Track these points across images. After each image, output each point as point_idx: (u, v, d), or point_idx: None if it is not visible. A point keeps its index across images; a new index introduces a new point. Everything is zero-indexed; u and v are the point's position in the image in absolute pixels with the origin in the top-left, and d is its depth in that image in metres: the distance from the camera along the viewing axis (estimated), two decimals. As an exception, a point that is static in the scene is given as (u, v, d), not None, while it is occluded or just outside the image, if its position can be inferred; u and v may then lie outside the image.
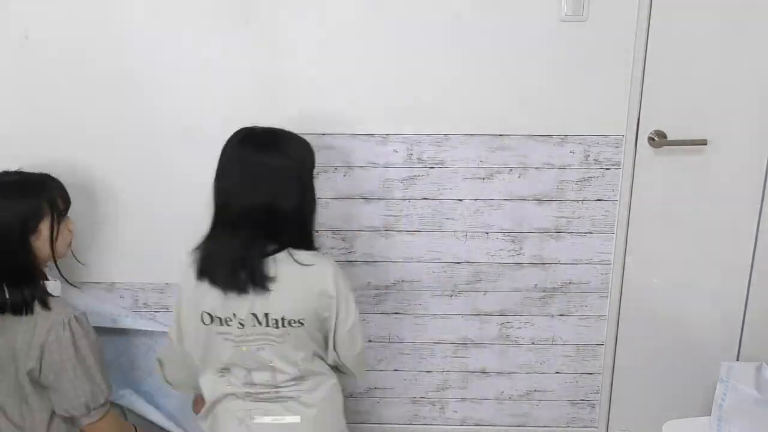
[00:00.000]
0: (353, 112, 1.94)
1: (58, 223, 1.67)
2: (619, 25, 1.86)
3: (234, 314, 1.54)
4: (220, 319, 1.55)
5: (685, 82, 1.90)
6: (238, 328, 1.54)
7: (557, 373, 2.20)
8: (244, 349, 1.56)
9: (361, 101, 1.93)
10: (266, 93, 1.93)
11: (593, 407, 2.23)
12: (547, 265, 2.08)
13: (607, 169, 1.99)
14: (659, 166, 1.97)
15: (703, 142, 1.94)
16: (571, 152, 1.97)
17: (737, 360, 2.13)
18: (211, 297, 1.54)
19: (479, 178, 2.00)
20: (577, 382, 2.20)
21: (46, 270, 1.72)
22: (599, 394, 2.21)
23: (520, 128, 1.95)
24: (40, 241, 1.65)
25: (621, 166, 1.98)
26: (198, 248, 1.58)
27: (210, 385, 1.63)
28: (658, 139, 1.93)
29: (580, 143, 1.96)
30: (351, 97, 1.93)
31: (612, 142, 1.96)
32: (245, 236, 1.52)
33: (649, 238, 2.03)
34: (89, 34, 1.89)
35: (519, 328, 2.15)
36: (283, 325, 1.54)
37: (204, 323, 1.56)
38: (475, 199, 2.02)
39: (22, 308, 1.60)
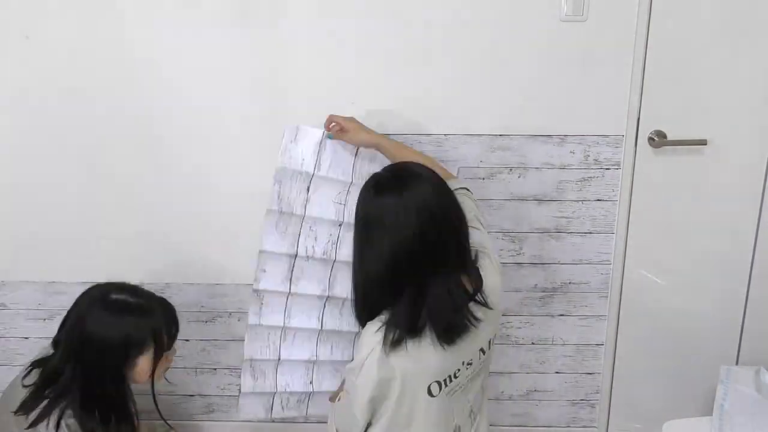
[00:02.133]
0: (353, 113, 1.94)
1: (160, 358, 1.61)
2: (619, 25, 1.86)
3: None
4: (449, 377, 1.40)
5: (685, 82, 1.90)
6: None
7: (557, 373, 2.20)
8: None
9: (361, 101, 1.93)
10: (266, 93, 1.93)
11: (593, 407, 2.23)
12: (547, 265, 2.08)
13: (607, 169, 1.99)
14: (659, 166, 1.97)
15: (703, 142, 1.94)
16: (571, 152, 1.97)
17: (737, 358, 2.13)
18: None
19: (479, 178, 2.00)
20: (577, 382, 2.20)
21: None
22: (599, 394, 2.21)
23: (520, 128, 1.95)
24: (136, 372, 1.58)
25: (621, 166, 1.98)
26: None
27: None
28: (658, 139, 1.93)
29: (580, 143, 1.96)
30: (351, 97, 1.93)
31: (612, 142, 1.96)
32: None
33: (649, 238, 2.03)
34: (88, 34, 1.89)
35: (519, 328, 2.15)
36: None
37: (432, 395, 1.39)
38: (475, 199, 2.02)
39: None
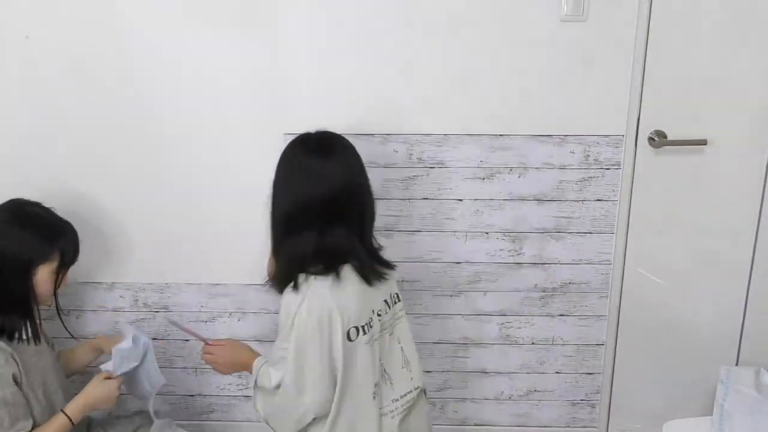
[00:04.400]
0: (353, 112, 1.94)
1: (63, 274, 1.66)
2: (619, 25, 1.86)
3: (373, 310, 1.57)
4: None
5: (685, 82, 1.90)
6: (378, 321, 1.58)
7: (557, 373, 2.20)
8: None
9: (361, 101, 1.93)
10: (266, 94, 1.93)
11: (593, 407, 2.23)
12: (547, 265, 2.08)
13: (607, 169, 1.99)
14: (659, 166, 1.97)
15: (703, 142, 1.94)
16: (571, 152, 1.97)
17: (737, 358, 2.13)
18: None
19: (479, 178, 2.00)
20: (577, 382, 2.20)
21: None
22: (599, 394, 2.21)
23: (520, 128, 1.95)
24: (37, 284, 1.62)
25: (621, 166, 1.98)
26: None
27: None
28: (658, 139, 1.93)
29: (580, 143, 1.96)
30: (351, 97, 1.93)
31: (612, 142, 1.96)
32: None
33: (649, 238, 2.03)
34: (89, 34, 1.89)
35: (519, 328, 2.15)
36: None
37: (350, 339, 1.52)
38: (475, 199, 2.02)
39: (12, 335, 1.60)
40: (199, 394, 2.26)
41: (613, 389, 2.20)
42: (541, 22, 1.86)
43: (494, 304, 2.12)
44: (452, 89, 1.92)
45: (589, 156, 1.97)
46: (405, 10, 1.86)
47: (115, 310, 2.14)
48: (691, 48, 1.88)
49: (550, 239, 2.05)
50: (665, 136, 1.94)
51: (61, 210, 1.72)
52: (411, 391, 1.65)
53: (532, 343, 2.16)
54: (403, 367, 1.65)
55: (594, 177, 1.99)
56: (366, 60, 1.90)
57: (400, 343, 1.65)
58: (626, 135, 1.95)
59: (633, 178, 1.99)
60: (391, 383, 1.62)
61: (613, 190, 2.00)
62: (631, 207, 2.01)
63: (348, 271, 1.52)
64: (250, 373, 1.63)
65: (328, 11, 1.87)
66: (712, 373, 2.04)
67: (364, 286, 1.53)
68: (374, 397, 1.56)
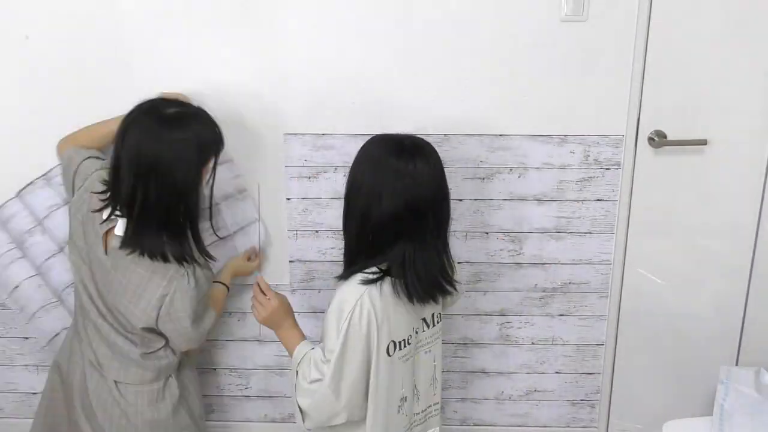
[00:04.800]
0: (353, 112, 1.94)
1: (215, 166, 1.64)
2: (619, 25, 1.86)
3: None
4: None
5: (685, 82, 1.90)
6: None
7: (557, 373, 2.20)
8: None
9: (361, 101, 1.93)
10: (266, 93, 1.93)
11: (593, 407, 2.23)
12: (547, 265, 2.08)
13: (607, 169, 1.99)
14: (659, 166, 1.97)
15: (703, 142, 1.94)
16: (571, 152, 1.97)
17: (737, 358, 2.13)
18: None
19: (479, 178, 2.00)
20: (577, 382, 2.20)
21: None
22: (599, 394, 2.21)
23: (520, 128, 1.95)
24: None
25: (621, 166, 1.98)
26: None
27: None
28: (658, 139, 1.93)
29: (580, 143, 1.96)
30: (351, 97, 1.93)
31: (612, 142, 1.96)
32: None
33: (649, 238, 2.03)
34: (89, 34, 1.89)
35: (519, 328, 2.15)
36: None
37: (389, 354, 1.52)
38: (475, 199, 2.02)
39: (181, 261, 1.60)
40: (199, 394, 2.26)
41: (613, 389, 2.20)
42: (541, 22, 1.86)
43: (494, 304, 2.12)
44: (452, 89, 1.92)
45: (589, 156, 1.97)
46: (405, 10, 1.86)
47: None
48: (691, 48, 1.88)
49: (550, 239, 2.05)
50: (665, 136, 1.94)
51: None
52: (431, 406, 1.68)
53: (532, 343, 2.16)
54: (431, 384, 1.67)
55: (594, 177, 1.99)
56: (366, 60, 1.90)
57: (435, 361, 1.66)
58: (626, 135, 1.95)
59: (633, 178, 1.99)
60: (418, 398, 1.63)
61: (613, 190, 2.00)
62: (631, 207, 2.01)
63: (400, 285, 1.49)
64: (287, 348, 1.66)
65: (327, 11, 1.87)
66: (712, 373, 2.04)
67: (411, 302, 1.50)
68: (398, 411, 1.56)
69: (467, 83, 1.92)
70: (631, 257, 2.06)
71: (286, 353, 1.70)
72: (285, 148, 1.97)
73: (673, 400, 2.17)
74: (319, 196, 2.02)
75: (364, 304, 1.45)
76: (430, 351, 1.63)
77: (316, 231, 2.05)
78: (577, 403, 2.23)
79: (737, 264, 2.06)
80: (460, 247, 2.06)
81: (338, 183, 2.00)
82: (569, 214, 2.03)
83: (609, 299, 2.10)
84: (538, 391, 2.22)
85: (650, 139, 1.95)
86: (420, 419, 1.66)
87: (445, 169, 1.96)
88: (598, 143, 1.96)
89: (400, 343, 1.52)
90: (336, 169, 1.99)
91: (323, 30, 1.88)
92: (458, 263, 2.06)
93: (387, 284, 1.48)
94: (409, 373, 1.58)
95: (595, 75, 1.90)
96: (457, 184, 2.00)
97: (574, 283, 2.09)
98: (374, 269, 1.48)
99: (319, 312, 2.10)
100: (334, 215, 2.03)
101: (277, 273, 2.05)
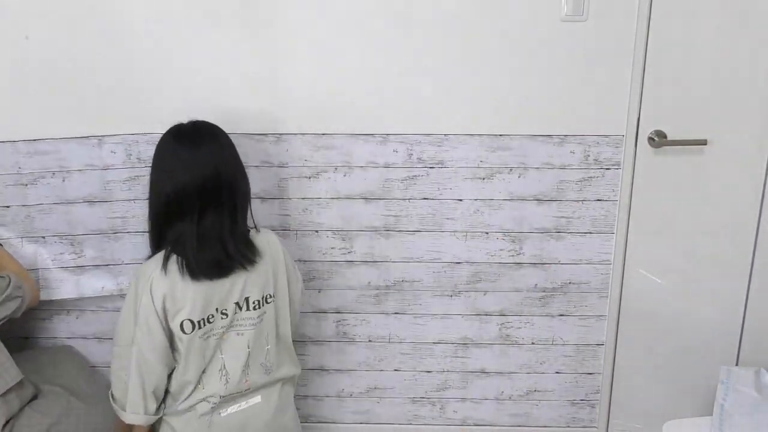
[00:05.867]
0: (353, 112, 1.94)
1: None
2: (619, 25, 1.86)
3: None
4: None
5: (685, 82, 1.90)
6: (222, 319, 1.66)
7: (557, 373, 2.20)
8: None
9: (361, 101, 1.94)
10: (266, 93, 1.93)
11: (593, 407, 2.23)
12: (547, 265, 2.08)
13: (607, 169, 1.99)
14: (659, 166, 1.97)
15: (703, 142, 1.94)
16: (571, 152, 1.97)
17: (737, 358, 2.13)
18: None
19: (479, 178, 2.00)
20: (577, 382, 2.21)
21: None
22: (599, 394, 2.21)
23: (520, 128, 1.95)
24: None
25: (621, 166, 1.98)
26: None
27: None
28: (658, 139, 1.93)
29: (580, 143, 1.96)
30: (351, 97, 1.93)
31: (612, 142, 1.96)
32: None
33: (649, 238, 2.04)
34: (89, 34, 1.89)
35: (519, 328, 2.15)
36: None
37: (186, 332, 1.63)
38: (475, 199, 2.02)
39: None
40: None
41: (613, 389, 2.20)
42: (541, 22, 1.86)
43: (494, 304, 2.12)
44: (452, 89, 1.92)
45: (589, 156, 1.97)
46: (405, 9, 1.86)
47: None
48: (691, 48, 1.88)
49: (550, 239, 2.05)
50: (665, 136, 1.94)
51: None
52: (242, 392, 1.72)
53: (532, 343, 2.16)
54: (243, 371, 1.69)
55: (594, 177, 1.99)
56: (366, 60, 1.90)
57: (248, 347, 1.69)
58: (626, 135, 1.95)
59: (633, 178, 1.99)
60: (227, 380, 1.68)
61: (613, 190, 2.00)
62: (631, 207, 2.01)
63: (182, 263, 1.60)
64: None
65: (327, 11, 1.87)
66: (712, 373, 2.04)
67: (196, 280, 1.60)
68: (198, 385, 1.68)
69: (467, 83, 1.92)
70: (631, 257, 2.06)
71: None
72: (285, 148, 1.97)
73: (673, 400, 2.17)
74: (319, 196, 2.02)
75: (153, 283, 1.59)
76: (242, 334, 1.68)
77: (316, 231, 2.06)
78: (577, 403, 2.23)
79: (737, 264, 2.06)
80: (460, 247, 2.06)
81: (338, 183, 2.00)
82: (569, 214, 2.03)
83: (609, 299, 2.11)
84: (538, 391, 2.22)
85: (650, 139, 1.95)
86: (227, 401, 1.70)
87: (446, 169, 1.99)
88: (598, 143, 1.96)
89: (199, 322, 1.61)
90: (336, 169, 1.99)
91: (323, 30, 1.89)
92: (458, 263, 2.07)
93: (173, 263, 1.59)
94: (211, 350, 1.66)
95: (595, 75, 1.90)
96: (457, 184, 2.00)
97: (574, 283, 2.10)
98: (162, 251, 1.61)
99: (320, 312, 2.10)
100: (334, 215, 2.03)
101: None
